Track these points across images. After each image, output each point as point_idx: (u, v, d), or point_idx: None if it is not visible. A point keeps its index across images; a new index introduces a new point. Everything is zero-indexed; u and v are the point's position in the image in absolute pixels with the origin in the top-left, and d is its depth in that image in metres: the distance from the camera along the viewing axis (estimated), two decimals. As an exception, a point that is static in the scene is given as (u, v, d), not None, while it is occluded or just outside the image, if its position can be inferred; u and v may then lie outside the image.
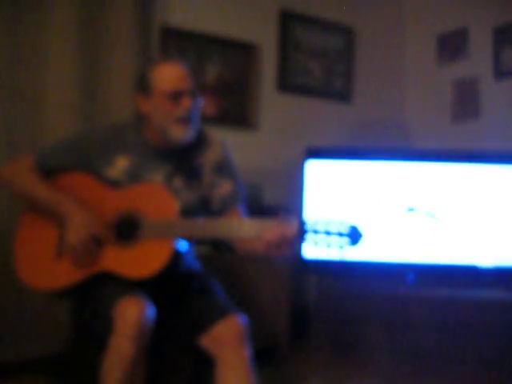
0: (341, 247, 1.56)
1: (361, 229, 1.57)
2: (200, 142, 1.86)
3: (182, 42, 2.96)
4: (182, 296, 1.79)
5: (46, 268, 1.75)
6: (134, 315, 1.56)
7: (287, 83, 3.31)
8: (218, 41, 3.07)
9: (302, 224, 1.57)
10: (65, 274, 1.72)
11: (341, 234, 1.56)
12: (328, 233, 1.57)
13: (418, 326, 2.74)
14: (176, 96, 1.73)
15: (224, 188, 1.85)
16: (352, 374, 2.54)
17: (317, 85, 3.41)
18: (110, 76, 2.67)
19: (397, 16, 3.71)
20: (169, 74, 1.75)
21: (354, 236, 1.56)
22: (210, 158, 1.86)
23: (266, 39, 3.25)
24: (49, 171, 1.82)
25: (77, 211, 1.72)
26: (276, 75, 3.29)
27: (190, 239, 1.80)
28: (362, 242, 1.57)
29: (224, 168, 1.87)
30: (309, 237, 1.57)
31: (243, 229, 1.64)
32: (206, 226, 1.70)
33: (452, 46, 3.44)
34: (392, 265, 2.89)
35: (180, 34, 2.96)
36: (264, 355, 2.66)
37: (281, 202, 3.07)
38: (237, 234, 1.66)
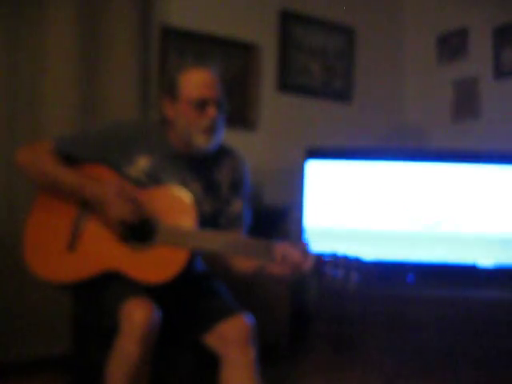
0: (354, 282, 1.56)
1: (373, 266, 1.58)
2: (222, 157, 1.85)
3: (182, 42, 2.96)
4: (188, 297, 1.78)
5: (56, 259, 1.72)
6: (141, 318, 1.55)
7: (287, 83, 3.31)
8: (218, 41, 3.07)
9: (318, 257, 1.56)
10: (75, 269, 1.70)
11: (354, 269, 1.57)
12: (341, 267, 1.57)
13: (418, 326, 2.74)
14: (202, 104, 1.72)
15: (234, 207, 1.84)
16: (352, 374, 2.54)
17: (317, 85, 3.41)
18: (110, 76, 2.67)
19: (397, 16, 3.71)
20: (196, 82, 1.73)
21: (366, 272, 1.58)
22: (227, 175, 1.85)
23: (266, 39, 3.25)
24: (66, 159, 1.77)
25: (104, 188, 1.67)
26: (276, 75, 3.29)
27: (205, 252, 1.78)
28: (374, 278, 1.58)
29: (239, 187, 1.86)
30: (322, 269, 1.57)
31: (261, 253, 1.61)
32: (225, 242, 1.66)
33: (452, 45, 3.44)
34: (392, 265, 2.89)
35: (180, 33, 2.96)
36: (264, 355, 2.66)
37: (281, 202, 3.07)
38: (253, 256, 1.64)
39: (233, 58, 3.12)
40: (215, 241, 1.66)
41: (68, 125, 2.54)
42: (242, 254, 1.67)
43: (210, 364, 1.69)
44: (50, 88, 2.54)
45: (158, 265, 1.66)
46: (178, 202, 1.71)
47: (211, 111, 1.73)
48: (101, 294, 1.70)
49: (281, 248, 1.58)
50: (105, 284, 1.70)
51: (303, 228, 2.90)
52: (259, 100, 3.23)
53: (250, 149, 3.17)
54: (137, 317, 1.55)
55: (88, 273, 1.69)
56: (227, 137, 3.42)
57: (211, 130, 1.75)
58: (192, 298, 1.78)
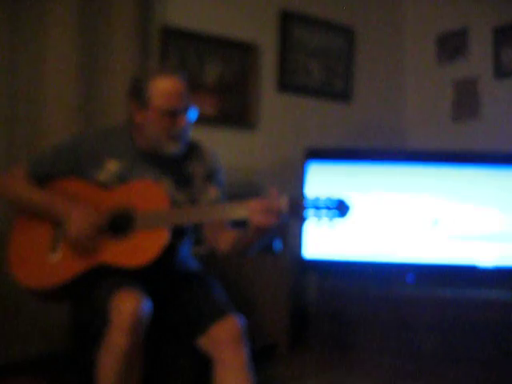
0: (330, 220, 1.61)
1: (348, 201, 1.61)
2: (191, 153, 1.89)
3: (182, 42, 2.96)
4: (180, 295, 1.79)
5: (41, 266, 1.77)
6: (129, 308, 1.57)
7: (287, 83, 3.31)
8: (218, 41, 3.07)
9: (291, 199, 1.61)
10: (61, 270, 1.74)
11: (329, 208, 1.61)
12: (317, 207, 1.61)
13: (417, 326, 2.74)
14: (171, 113, 1.76)
15: (210, 195, 1.88)
16: (351, 374, 2.54)
17: (317, 85, 3.41)
18: (110, 76, 2.66)
19: (397, 16, 3.71)
20: (166, 91, 1.75)
21: (342, 208, 1.61)
22: (201, 168, 1.89)
23: (266, 39, 3.25)
24: (42, 178, 1.85)
25: (73, 206, 1.75)
26: (276, 75, 3.29)
27: (184, 225, 1.81)
28: (350, 213, 1.61)
29: (213, 177, 1.90)
30: (299, 211, 1.61)
31: (235, 210, 1.67)
32: (199, 211, 1.74)
33: (452, 45, 3.44)
34: (392, 265, 2.89)
35: (180, 34, 2.95)
36: (264, 355, 2.66)
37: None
38: (229, 216, 1.70)
39: (233, 58, 3.12)
40: (191, 213, 1.73)
41: (68, 126, 2.54)
42: (218, 219, 1.74)
43: (209, 364, 1.69)
44: (50, 90, 2.54)
45: (142, 247, 1.69)
46: (149, 191, 1.76)
47: (181, 120, 1.77)
48: (93, 292, 1.73)
49: (252, 201, 1.63)
50: (97, 282, 1.72)
51: (303, 228, 2.90)
52: (259, 100, 3.22)
53: (250, 149, 3.18)
54: (125, 307, 1.57)
55: (75, 271, 1.72)
56: (228, 137, 3.42)
57: (180, 138, 1.80)
58: (184, 298, 1.79)
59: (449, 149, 3.25)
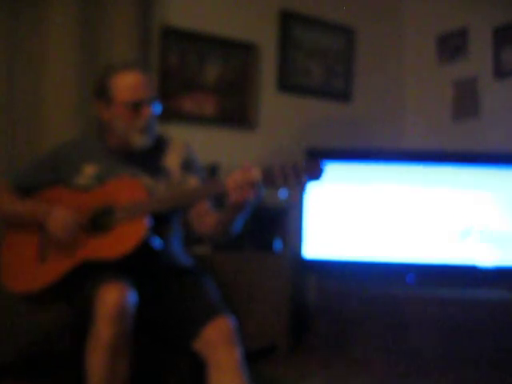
0: (304, 184, 1.59)
1: (321, 164, 1.60)
2: (163, 147, 1.94)
3: (182, 42, 2.97)
4: (171, 294, 1.81)
5: (30, 272, 1.82)
6: (113, 298, 1.60)
7: (287, 83, 3.31)
8: (218, 41, 3.07)
9: (264, 169, 1.61)
10: (48, 272, 1.78)
11: (302, 172, 1.59)
12: (291, 174, 1.59)
13: (417, 326, 2.74)
14: (136, 105, 1.80)
15: (191, 184, 1.91)
16: (352, 374, 2.54)
17: (317, 85, 3.41)
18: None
19: (397, 16, 3.71)
20: (128, 84, 1.81)
21: (316, 171, 1.59)
22: (175, 160, 1.93)
23: (266, 39, 3.25)
24: (24, 191, 1.91)
25: (55, 209, 1.80)
26: (276, 75, 3.29)
27: (162, 210, 1.82)
28: (323, 176, 1.60)
29: (189, 166, 1.94)
30: (274, 180, 1.59)
31: (210, 187, 1.71)
32: (175, 194, 1.78)
33: (452, 45, 3.44)
34: (392, 265, 2.89)
35: (180, 33, 2.96)
36: (264, 355, 2.66)
37: (281, 203, 3.06)
38: (205, 194, 1.74)
39: (233, 57, 3.12)
40: (169, 198, 1.78)
41: (68, 126, 2.54)
42: (196, 199, 1.78)
43: (203, 366, 1.69)
44: (50, 90, 2.54)
45: (123, 238, 1.73)
46: (126, 186, 1.81)
47: (146, 111, 1.81)
48: (81, 288, 1.75)
49: (226, 177, 1.65)
50: (84, 279, 1.75)
51: (303, 228, 2.90)
52: (259, 100, 3.23)
53: (250, 149, 3.18)
54: (109, 298, 1.60)
55: (61, 271, 1.76)
56: (227, 137, 3.41)
57: (147, 129, 1.84)
58: (176, 297, 1.80)
59: (448, 148, 3.25)
